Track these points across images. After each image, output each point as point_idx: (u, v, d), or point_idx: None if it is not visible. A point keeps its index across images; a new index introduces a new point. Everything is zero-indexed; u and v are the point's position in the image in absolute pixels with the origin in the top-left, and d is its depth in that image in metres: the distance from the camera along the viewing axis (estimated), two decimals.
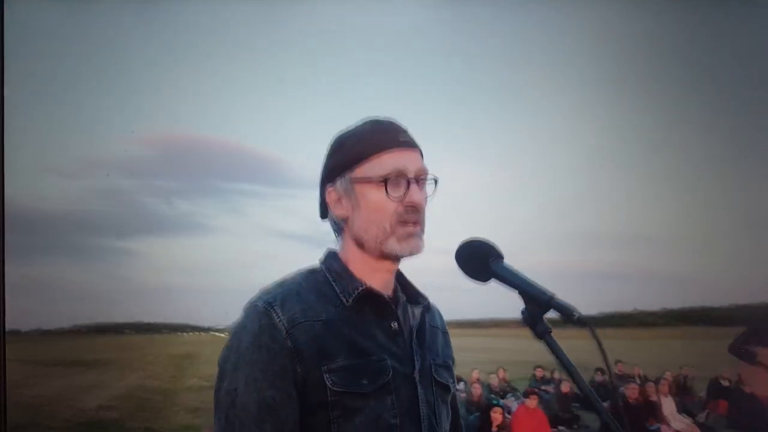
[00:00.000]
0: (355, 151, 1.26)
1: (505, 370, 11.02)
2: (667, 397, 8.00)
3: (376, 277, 1.28)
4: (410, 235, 1.25)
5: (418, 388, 1.25)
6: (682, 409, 8.21)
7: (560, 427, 8.52)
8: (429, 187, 1.29)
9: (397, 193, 1.23)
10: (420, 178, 1.27)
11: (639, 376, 10.31)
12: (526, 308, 1.18)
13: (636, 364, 10.94)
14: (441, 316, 1.44)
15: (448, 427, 1.33)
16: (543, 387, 9.79)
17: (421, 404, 1.24)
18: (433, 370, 1.31)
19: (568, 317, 1.15)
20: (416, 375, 1.25)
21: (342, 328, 1.21)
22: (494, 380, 10.22)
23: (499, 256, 1.23)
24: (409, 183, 1.24)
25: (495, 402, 8.36)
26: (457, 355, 1.45)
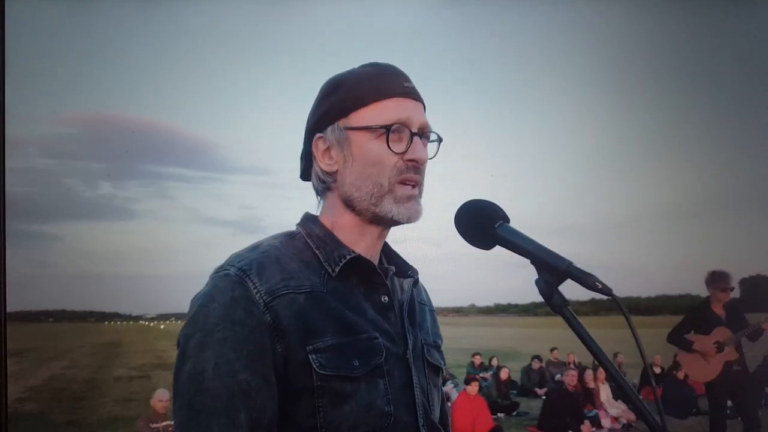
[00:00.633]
0: (353, 95, 1.08)
1: None
2: (603, 384, 8.14)
3: (363, 243, 1.10)
4: (410, 198, 1.08)
5: (413, 370, 1.08)
6: (617, 395, 8.37)
7: (499, 414, 8.56)
8: (431, 147, 1.12)
9: (399, 146, 1.06)
10: (424, 134, 1.10)
11: (574, 363, 10.49)
12: (540, 278, 1.03)
13: (571, 351, 11.14)
14: (426, 292, 1.28)
15: (438, 414, 1.17)
16: (481, 374, 9.83)
17: (415, 389, 1.08)
18: (425, 350, 1.15)
19: (590, 286, 1.00)
20: (409, 355, 1.09)
21: (328, 301, 1.03)
22: None
23: (505, 218, 1.08)
24: (412, 137, 1.07)
25: None
26: None
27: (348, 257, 1.07)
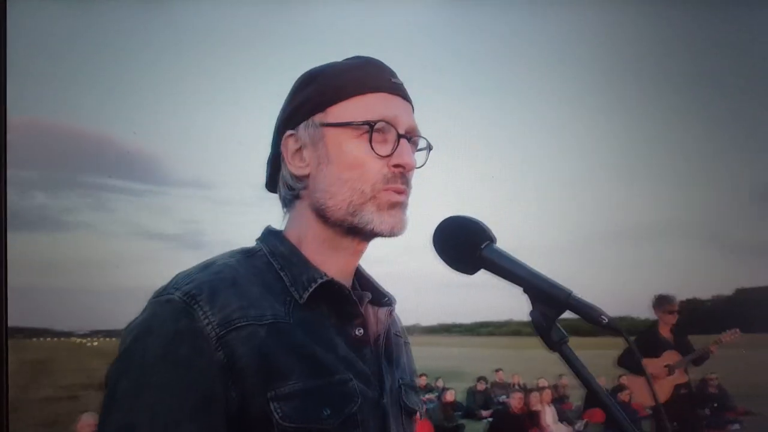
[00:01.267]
0: (333, 86, 0.92)
1: None
2: (549, 406, 8.11)
3: (335, 262, 0.93)
4: (394, 205, 0.91)
5: (390, 418, 0.92)
6: (560, 417, 8.36)
7: None
8: (420, 156, 0.97)
9: (383, 148, 0.90)
10: (412, 138, 0.94)
11: (518, 385, 10.48)
12: (535, 310, 0.89)
13: (515, 372, 11.14)
14: (400, 322, 1.11)
15: None
16: (426, 396, 9.68)
17: None
18: (402, 392, 0.98)
19: (595, 321, 0.86)
20: (386, 400, 0.92)
21: (294, 334, 0.85)
22: None
23: (491, 240, 0.93)
24: (399, 139, 0.91)
25: None
26: None
27: (319, 281, 0.90)
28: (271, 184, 1.01)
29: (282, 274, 0.90)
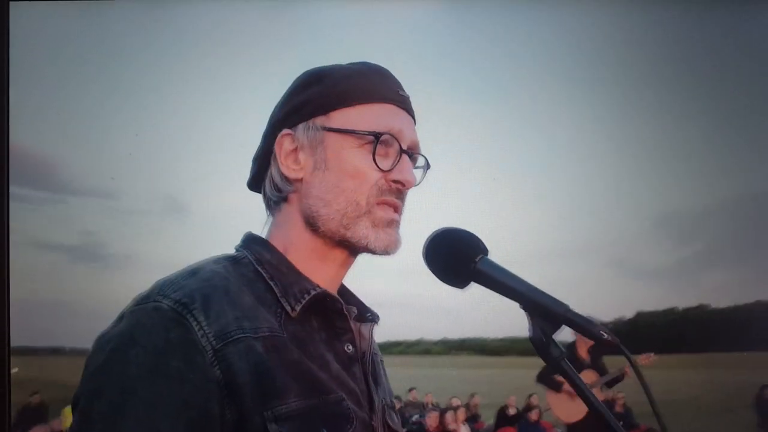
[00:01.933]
0: (339, 90, 0.87)
1: None
2: (463, 424, 8.19)
3: (323, 274, 0.88)
4: (390, 223, 0.88)
5: None
6: None
7: None
8: (416, 173, 0.93)
9: (385, 162, 0.86)
10: (413, 155, 0.91)
11: (432, 404, 10.53)
12: (535, 325, 0.87)
13: (428, 392, 11.19)
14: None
15: None
16: None
17: None
18: (386, 413, 0.94)
19: (594, 336, 0.85)
20: (375, 422, 0.88)
21: (290, 349, 0.79)
22: None
23: (485, 252, 0.90)
24: (401, 154, 0.88)
25: None
26: None
27: (312, 292, 0.85)
28: (255, 183, 0.95)
29: (272, 284, 0.84)
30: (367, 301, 0.99)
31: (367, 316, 0.95)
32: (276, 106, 0.93)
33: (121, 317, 0.77)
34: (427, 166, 0.95)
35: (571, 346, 5.28)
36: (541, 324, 0.86)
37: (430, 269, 0.91)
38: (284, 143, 0.89)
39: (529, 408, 8.63)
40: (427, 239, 0.91)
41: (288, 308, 0.83)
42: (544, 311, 0.86)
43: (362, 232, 0.86)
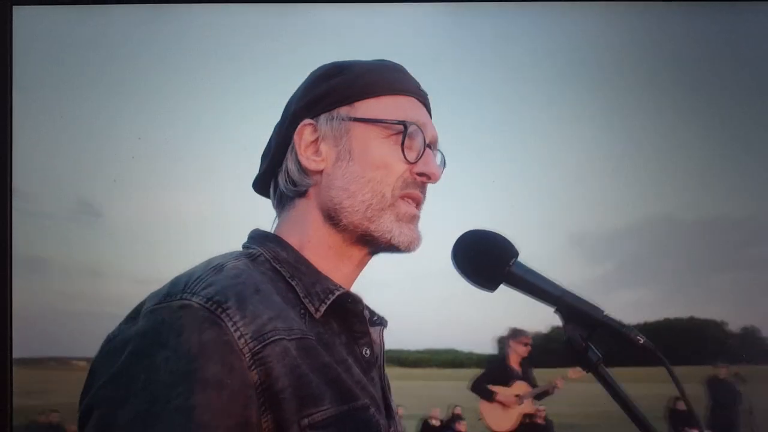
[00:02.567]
0: (363, 81, 0.85)
1: None
2: None
3: (341, 271, 0.85)
4: (413, 218, 0.85)
5: None
6: None
7: None
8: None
9: (412, 153, 0.84)
10: (434, 150, 0.89)
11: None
12: (573, 329, 0.86)
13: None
14: None
15: None
16: None
17: None
18: (398, 422, 0.92)
19: (631, 341, 0.85)
20: (393, 429, 0.84)
21: (320, 352, 0.75)
22: None
23: (516, 255, 0.90)
24: (425, 147, 0.86)
25: None
26: None
27: (336, 293, 0.80)
28: (261, 183, 0.91)
29: (293, 283, 0.79)
30: None
31: (374, 320, 0.91)
32: (292, 99, 0.90)
33: (134, 316, 0.71)
34: (444, 163, 0.93)
35: (504, 357, 5.38)
36: (576, 328, 0.85)
37: (458, 270, 0.89)
38: (305, 133, 0.85)
39: (453, 419, 8.72)
40: (457, 240, 0.90)
41: (312, 309, 0.78)
42: (579, 315, 0.85)
43: (386, 225, 0.82)
